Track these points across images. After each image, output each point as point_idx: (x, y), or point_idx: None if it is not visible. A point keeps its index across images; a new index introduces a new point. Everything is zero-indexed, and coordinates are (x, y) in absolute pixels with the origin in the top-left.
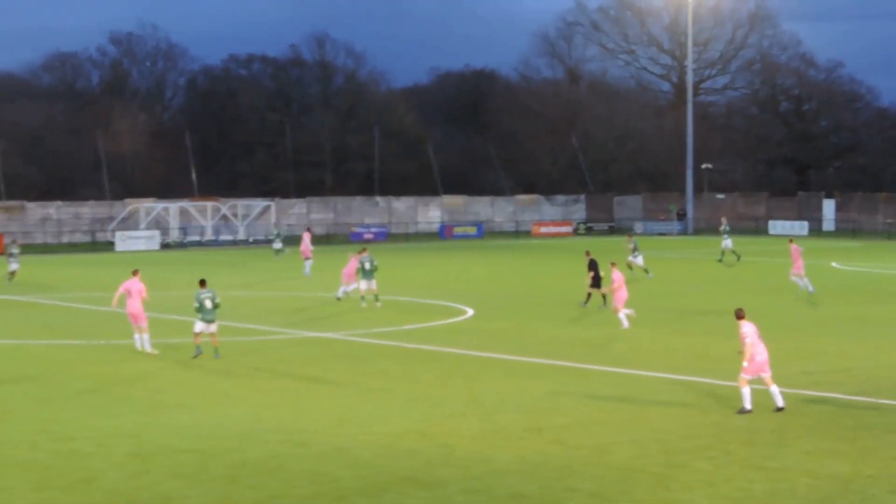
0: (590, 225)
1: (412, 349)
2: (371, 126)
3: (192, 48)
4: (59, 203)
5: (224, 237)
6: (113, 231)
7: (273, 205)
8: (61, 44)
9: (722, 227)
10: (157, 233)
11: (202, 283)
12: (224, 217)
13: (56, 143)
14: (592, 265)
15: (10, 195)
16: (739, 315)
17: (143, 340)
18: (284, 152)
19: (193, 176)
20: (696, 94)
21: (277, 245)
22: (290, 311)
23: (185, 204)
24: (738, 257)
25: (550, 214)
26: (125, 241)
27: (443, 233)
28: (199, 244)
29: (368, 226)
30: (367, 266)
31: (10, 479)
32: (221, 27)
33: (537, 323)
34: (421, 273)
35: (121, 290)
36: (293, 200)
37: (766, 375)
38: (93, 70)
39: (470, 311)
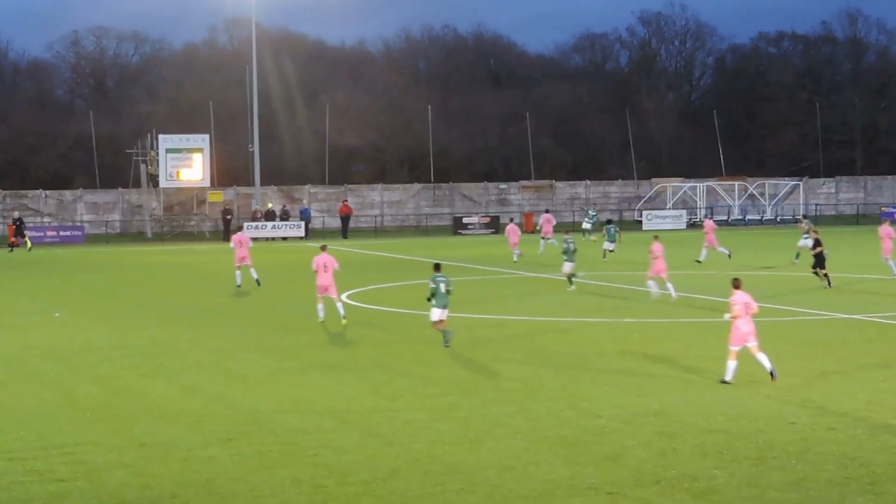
0: None
1: None
2: None
3: (721, 27)
4: (588, 182)
5: (751, 217)
6: (640, 210)
7: (802, 184)
8: (592, 24)
9: (802, 226)
10: (683, 212)
11: (437, 267)
12: (751, 196)
13: (584, 123)
14: (816, 244)
15: (540, 174)
16: (735, 285)
17: (337, 307)
18: (813, 131)
19: (721, 155)
20: None
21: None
22: (817, 290)
23: (712, 183)
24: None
25: None
26: (652, 220)
27: None
28: (726, 223)
29: None
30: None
31: (541, 453)
32: (750, 5)
33: None
34: None
35: (315, 265)
36: (821, 180)
37: (751, 345)
38: (621, 50)
39: None
